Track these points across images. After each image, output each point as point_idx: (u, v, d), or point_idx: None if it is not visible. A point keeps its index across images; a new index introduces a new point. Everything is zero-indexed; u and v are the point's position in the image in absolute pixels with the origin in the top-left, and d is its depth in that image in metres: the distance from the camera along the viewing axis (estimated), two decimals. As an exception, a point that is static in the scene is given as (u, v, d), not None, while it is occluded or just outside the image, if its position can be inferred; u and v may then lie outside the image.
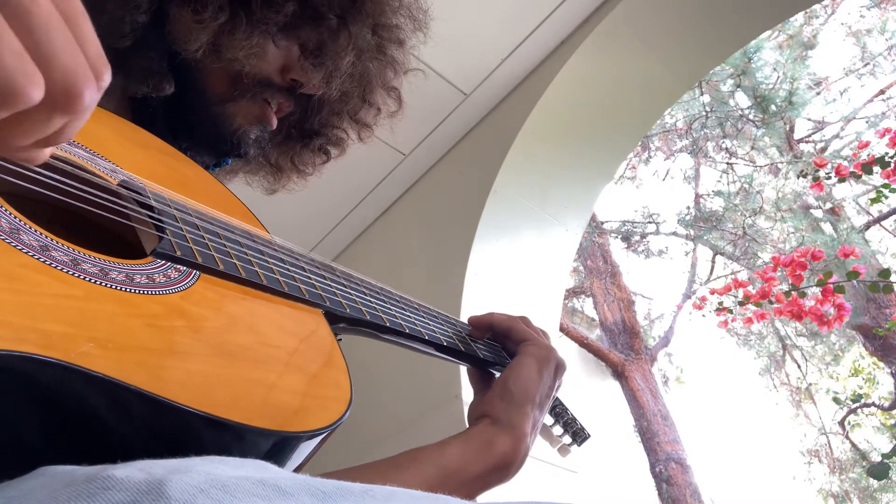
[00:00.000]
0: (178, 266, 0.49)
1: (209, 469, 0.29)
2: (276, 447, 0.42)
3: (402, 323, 0.65)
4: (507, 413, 0.66)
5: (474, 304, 2.08)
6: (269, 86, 0.80)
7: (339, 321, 0.59)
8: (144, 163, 0.61)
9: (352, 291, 0.64)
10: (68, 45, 0.29)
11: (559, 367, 0.73)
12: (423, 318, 0.70)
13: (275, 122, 0.83)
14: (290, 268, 0.59)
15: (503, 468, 0.64)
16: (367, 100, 0.90)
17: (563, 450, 0.81)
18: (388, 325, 0.63)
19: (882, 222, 7.15)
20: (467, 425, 0.68)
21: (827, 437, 8.58)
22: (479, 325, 0.77)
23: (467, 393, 1.85)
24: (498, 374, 0.77)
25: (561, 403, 0.81)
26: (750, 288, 3.98)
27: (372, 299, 0.65)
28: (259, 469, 0.33)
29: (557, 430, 0.80)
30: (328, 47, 0.80)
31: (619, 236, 9.28)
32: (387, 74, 0.90)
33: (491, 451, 0.63)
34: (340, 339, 0.56)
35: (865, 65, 8.54)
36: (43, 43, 0.28)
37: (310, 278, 0.60)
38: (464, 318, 0.79)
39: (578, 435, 0.82)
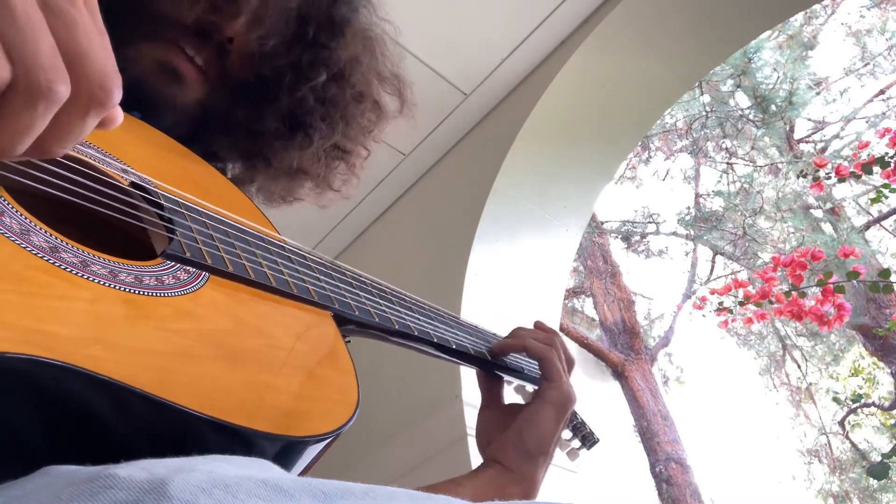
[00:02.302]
0: (188, 268, 0.49)
1: (212, 468, 0.29)
2: (282, 451, 0.42)
3: (411, 325, 0.65)
4: (520, 465, 0.68)
5: (474, 304, 2.08)
6: (176, 27, 0.69)
7: (348, 323, 0.59)
8: (156, 163, 0.61)
9: (361, 293, 0.63)
10: (33, 43, 0.30)
11: (571, 410, 0.75)
12: (433, 320, 0.70)
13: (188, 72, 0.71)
14: (299, 269, 0.58)
15: None
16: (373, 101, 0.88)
17: (573, 454, 0.82)
18: (397, 327, 0.62)
19: (882, 222, 7.15)
20: (472, 436, 0.69)
21: (827, 437, 8.58)
22: (511, 348, 0.76)
23: (467, 393, 1.85)
24: (504, 377, 0.77)
25: None
26: (750, 288, 3.97)
27: (381, 301, 0.65)
28: (262, 469, 0.33)
29: (567, 433, 0.80)
30: None
31: (619, 236, 9.27)
32: (382, 67, 0.87)
33: (502, 496, 0.66)
34: (349, 341, 0.56)
35: (865, 65, 8.54)
36: (11, 37, 0.29)
37: (319, 280, 0.59)
38: (464, 318, 0.79)
39: (588, 439, 0.82)
